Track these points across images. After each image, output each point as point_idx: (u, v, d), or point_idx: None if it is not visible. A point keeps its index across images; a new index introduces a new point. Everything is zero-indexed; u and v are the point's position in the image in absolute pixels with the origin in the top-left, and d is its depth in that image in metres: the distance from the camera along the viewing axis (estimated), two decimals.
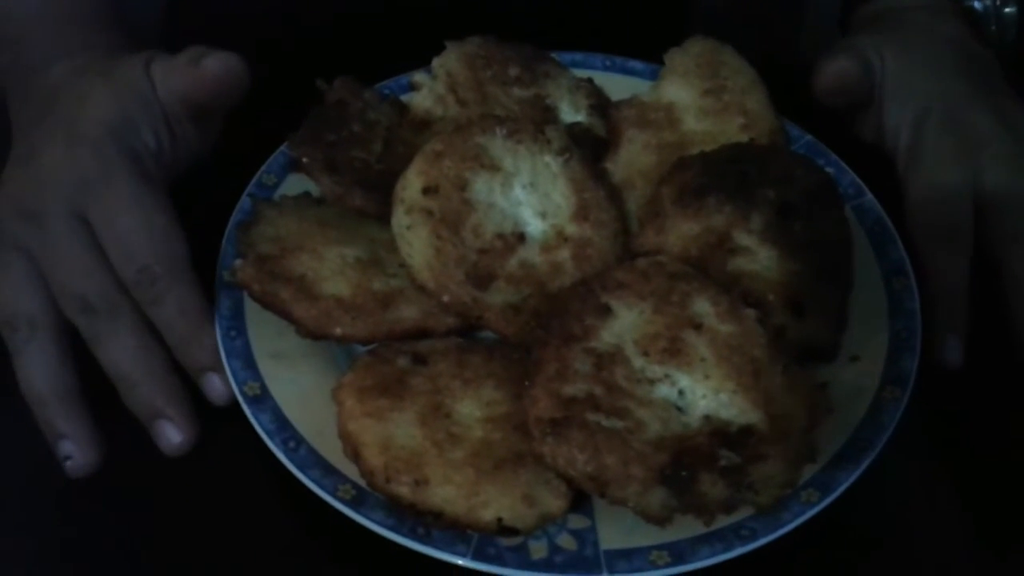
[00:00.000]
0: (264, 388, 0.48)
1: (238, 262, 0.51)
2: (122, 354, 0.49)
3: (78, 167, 0.51)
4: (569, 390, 0.44)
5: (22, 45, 0.58)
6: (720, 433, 0.44)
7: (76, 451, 0.48)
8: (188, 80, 0.54)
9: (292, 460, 0.45)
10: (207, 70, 0.53)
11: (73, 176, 0.51)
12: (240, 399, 0.48)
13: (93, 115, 0.53)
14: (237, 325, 0.51)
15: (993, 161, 0.57)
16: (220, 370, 0.49)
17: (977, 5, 0.66)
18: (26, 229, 0.50)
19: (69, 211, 0.50)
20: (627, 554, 0.43)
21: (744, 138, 0.58)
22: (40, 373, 0.48)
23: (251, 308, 0.51)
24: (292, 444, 0.46)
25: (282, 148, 0.59)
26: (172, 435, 0.48)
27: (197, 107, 0.55)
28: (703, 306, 0.48)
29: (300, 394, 0.48)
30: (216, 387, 0.50)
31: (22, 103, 0.57)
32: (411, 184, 0.51)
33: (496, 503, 0.43)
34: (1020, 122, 0.60)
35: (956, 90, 0.60)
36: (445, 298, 0.50)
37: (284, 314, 0.49)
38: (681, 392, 0.46)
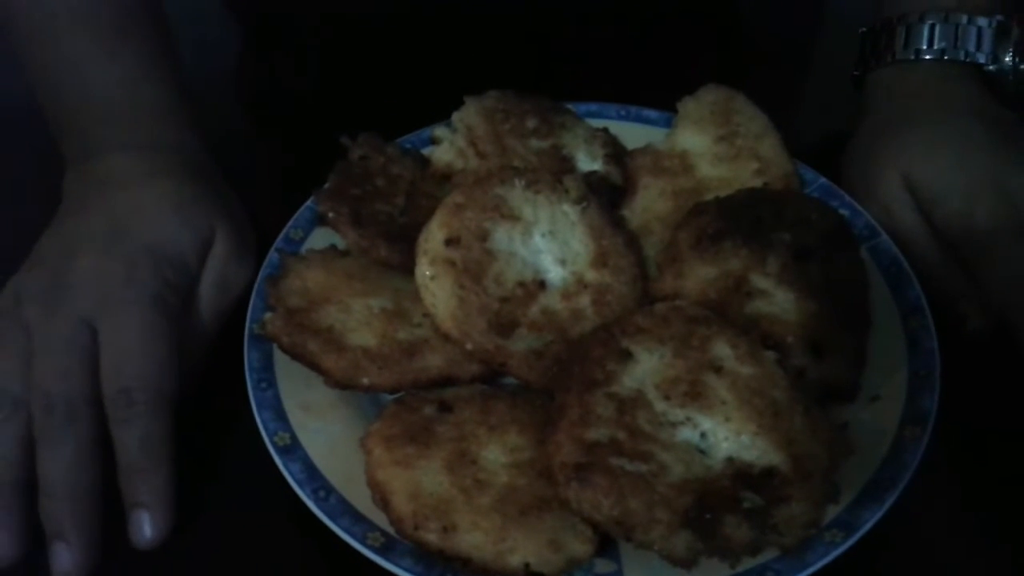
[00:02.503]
0: (294, 438, 0.49)
1: (268, 315, 0.52)
2: (55, 463, 0.48)
3: (107, 281, 0.53)
4: (592, 435, 0.45)
5: (88, 135, 0.60)
6: (743, 475, 0.45)
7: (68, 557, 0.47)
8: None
9: (322, 509, 0.46)
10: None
11: (99, 288, 0.53)
12: (271, 449, 0.49)
13: (140, 235, 0.55)
14: (267, 377, 0.52)
15: None
16: (154, 512, 0.48)
17: (991, 68, 0.64)
18: (39, 314, 0.52)
19: (80, 317, 0.52)
20: None
21: (758, 183, 0.60)
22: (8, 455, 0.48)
23: (280, 360, 0.52)
24: (322, 493, 0.47)
25: (308, 203, 0.61)
26: (64, 560, 0.47)
27: None
28: (723, 349, 0.49)
29: (329, 443, 0.49)
30: (143, 527, 0.48)
31: (75, 182, 0.60)
32: (434, 236, 0.52)
33: (523, 548, 0.43)
34: None
35: (993, 167, 0.59)
36: (469, 346, 0.51)
37: (313, 365, 0.51)
38: (703, 435, 0.46)
